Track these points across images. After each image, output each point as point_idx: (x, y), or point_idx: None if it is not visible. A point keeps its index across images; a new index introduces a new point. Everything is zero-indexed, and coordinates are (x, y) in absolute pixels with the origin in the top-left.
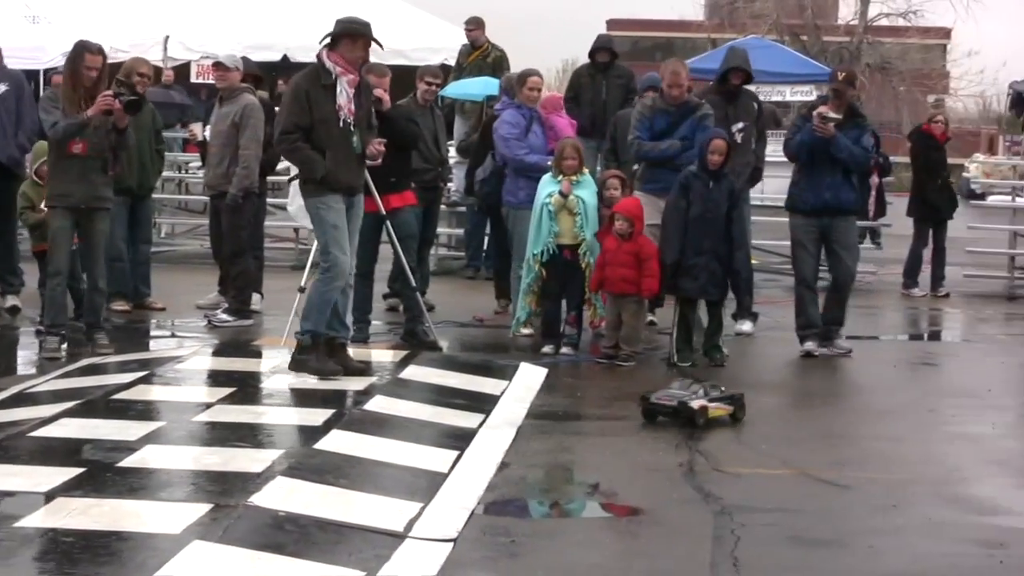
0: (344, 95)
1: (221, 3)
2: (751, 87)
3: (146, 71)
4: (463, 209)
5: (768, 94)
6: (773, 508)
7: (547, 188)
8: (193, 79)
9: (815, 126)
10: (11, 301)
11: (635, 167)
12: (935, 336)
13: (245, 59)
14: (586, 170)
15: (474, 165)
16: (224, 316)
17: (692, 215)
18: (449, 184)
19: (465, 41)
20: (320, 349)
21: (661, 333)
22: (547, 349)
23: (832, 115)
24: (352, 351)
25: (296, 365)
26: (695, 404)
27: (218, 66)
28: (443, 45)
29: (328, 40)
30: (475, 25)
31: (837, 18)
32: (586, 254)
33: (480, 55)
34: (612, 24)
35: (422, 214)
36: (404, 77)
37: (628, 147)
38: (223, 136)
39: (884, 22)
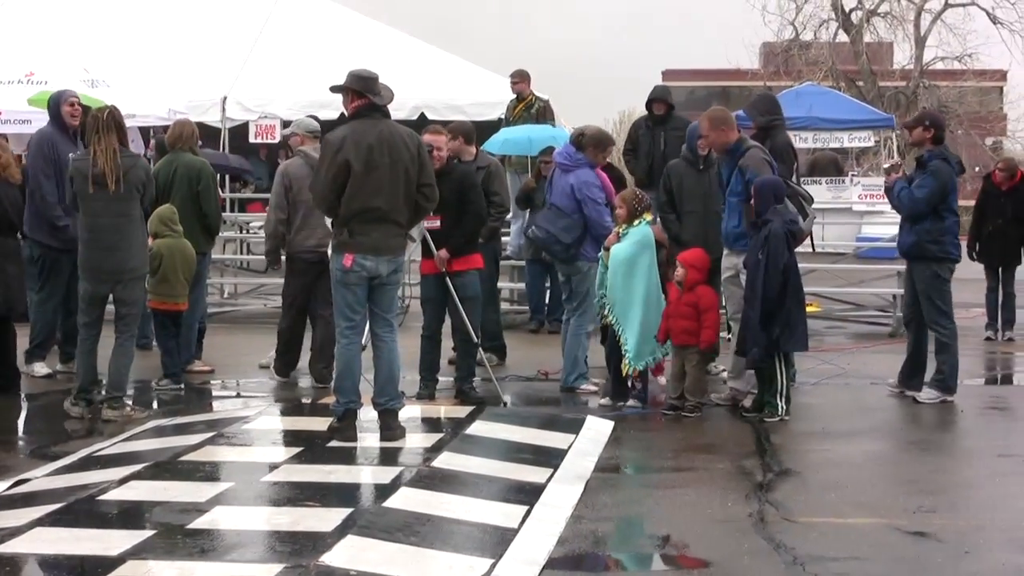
0: None
1: (278, 63)
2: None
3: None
4: (523, 263)
5: (826, 140)
6: (846, 557)
7: None
8: (252, 139)
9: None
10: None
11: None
12: (1004, 380)
13: (315, 119)
14: (648, 216)
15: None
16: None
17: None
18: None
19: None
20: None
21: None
22: (607, 401)
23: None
24: (419, 407)
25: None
26: None
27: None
28: (500, 99)
29: None
30: (520, 78)
31: (893, 63)
32: (611, 310)
33: (524, 107)
34: (668, 74)
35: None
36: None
37: None
38: None
39: (940, 66)
